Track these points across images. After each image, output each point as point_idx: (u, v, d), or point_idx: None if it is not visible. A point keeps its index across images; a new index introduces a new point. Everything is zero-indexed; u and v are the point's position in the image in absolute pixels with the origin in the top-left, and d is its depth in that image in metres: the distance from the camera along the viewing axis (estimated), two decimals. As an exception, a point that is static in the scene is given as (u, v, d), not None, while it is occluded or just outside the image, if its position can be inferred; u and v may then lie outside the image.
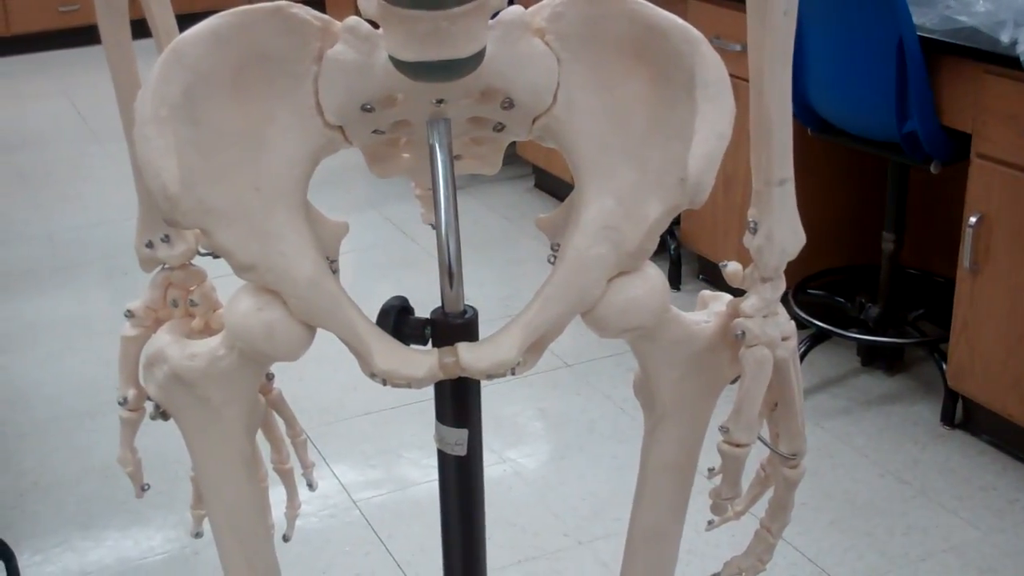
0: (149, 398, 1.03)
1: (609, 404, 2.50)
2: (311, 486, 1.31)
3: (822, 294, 2.67)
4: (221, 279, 1.10)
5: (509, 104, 0.90)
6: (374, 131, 0.93)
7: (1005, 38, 2.03)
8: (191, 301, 1.09)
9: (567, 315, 0.93)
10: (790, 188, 0.95)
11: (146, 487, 1.20)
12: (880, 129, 2.26)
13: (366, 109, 0.89)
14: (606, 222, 0.91)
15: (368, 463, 2.31)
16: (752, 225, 0.96)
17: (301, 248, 0.90)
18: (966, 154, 2.16)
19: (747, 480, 1.08)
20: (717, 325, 0.99)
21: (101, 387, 2.63)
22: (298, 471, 1.31)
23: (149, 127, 0.85)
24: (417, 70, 0.83)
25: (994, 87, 2.05)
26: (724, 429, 0.99)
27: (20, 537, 2.09)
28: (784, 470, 1.07)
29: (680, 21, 0.89)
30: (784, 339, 0.98)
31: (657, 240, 0.93)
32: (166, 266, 1.09)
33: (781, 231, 0.95)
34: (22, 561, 2.01)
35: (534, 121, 0.92)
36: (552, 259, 0.95)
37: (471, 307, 0.97)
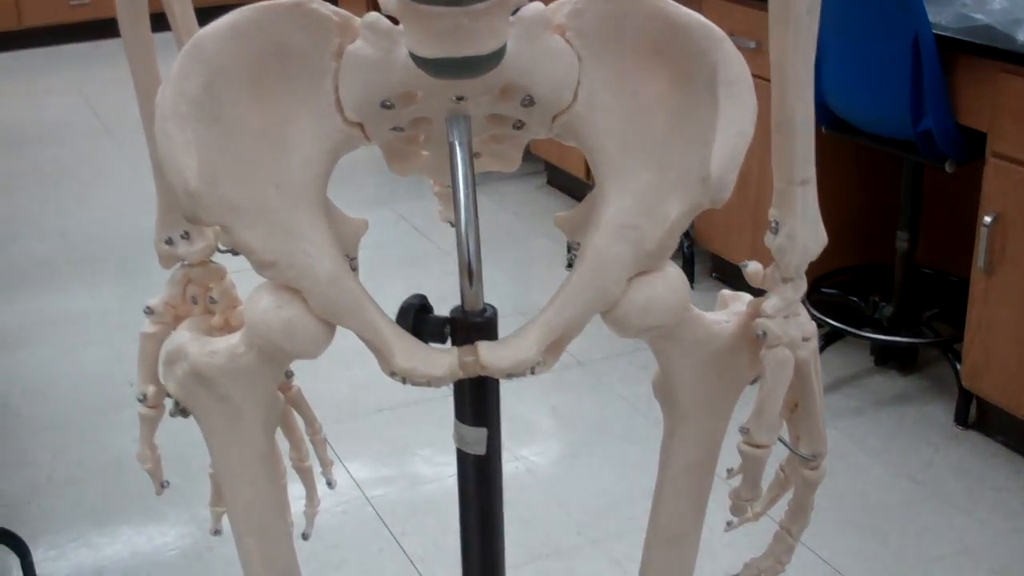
0: (168, 395, 1.03)
1: (622, 402, 2.50)
2: (330, 484, 1.31)
3: (836, 293, 2.66)
4: (238, 273, 1.10)
5: (529, 101, 0.90)
6: (393, 128, 0.92)
7: (1021, 36, 2.02)
8: (210, 298, 1.09)
9: (587, 314, 0.92)
10: (812, 188, 0.95)
11: (166, 484, 1.20)
12: (895, 128, 2.25)
13: (386, 106, 0.89)
14: (626, 221, 0.90)
15: (381, 460, 2.31)
16: (774, 225, 0.95)
17: (321, 245, 0.89)
18: (981, 153, 2.15)
19: (766, 481, 1.08)
20: (737, 325, 0.98)
21: (116, 382, 2.64)
22: (317, 469, 1.31)
23: (169, 123, 0.85)
24: (437, 67, 0.83)
25: (1010, 86, 2.04)
26: (744, 430, 0.99)
27: (35, 532, 2.10)
28: (804, 471, 1.07)
29: (702, 18, 0.89)
30: (805, 339, 0.97)
31: (678, 239, 0.93)
32: (185, 263, 1.09)
33: (803, 231, 0.95)
34: (37, 556, 2.02)
35: (554, 119, 0.91)
36: (571, 261, 0.95)
37: (491, 306, 0.97)
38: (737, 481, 1.05)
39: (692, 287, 3.01)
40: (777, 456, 1.09)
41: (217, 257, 1.10)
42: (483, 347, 0.92)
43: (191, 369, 0.98)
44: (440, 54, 0.81)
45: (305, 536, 1.30)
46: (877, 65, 2.22)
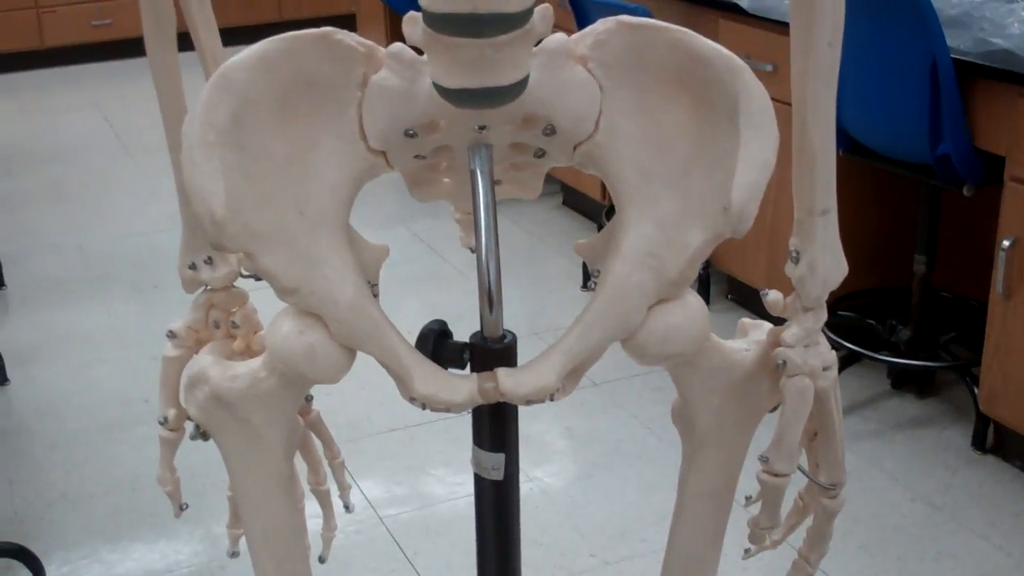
0: (189, 418, 1.04)
1: (636, 424, 2.49)
2: (347, 508, 1.31)
3: (853, 316, 2.65)
4: (257, 291, 1.11)
5: (551, 131, 0.90)
6: (416, 156, 0.93)
7: (1041, 62, 2.02)
8: (232, 323, 1.09)
9: (606, 341, 0.93)
10: (833, 218, 0.95)
11: (184, 506, 1.20)
12: (913, 151, 2.25)
13: (409, 135, 0.90)
14: (647, 249, 0.91)
15: (394, 479, 2.31)
16: (794, 255, 0.95)
17: (343, 272, 0.90)
18: (1000, 177, 2.14)
19: (785, 508, 1.08)
20: (757, 354, 0.98)
21: (130, 399, 2.65)
22: (335, 492, 1.32)
23: (197, 152, 0.86)
24: (461, 97, 0.83)
25: (1029, 111, 2.04)
26: (764, 459, 0.99)
27: (48, 548, 2.11)
28: (823, 500, 1.07)
29: (723, 50, 0.89)
30: (825, 369, 0.97)
31: (698, 268, 0.93)
32: (208, 287, 1.10)
33: (823, 261, 0.95)
34: (50, 572, 2.03)
35: (575, 148, 0.92)
36: (592, 286, 0.95)
37: (510, 332, 0.97)
38: (756, 509, 1.04)
39: (707, 308, 3.00)
40: (796, 484, 1.09)
41: (239, 282, 1.11)
42: (502, 374, 0.92)
43: (212, 393, 0.98)
44: (463, 84, 0.82)
45: (322, 559, 1.30)
46: (895, 89, 2.22)
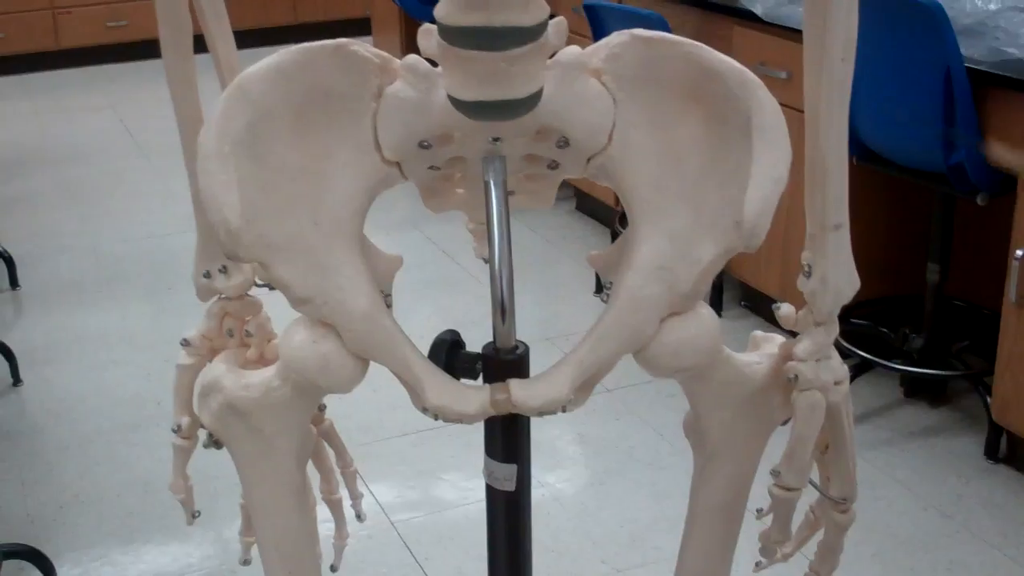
0: (203, 426, 1.04)
1: (648, 430, 2.49)
2: (359, 517, 1.31)
3: (866, 324, 2.64)
4: (268, 297, 1.11)
5: (564, 143, 0.91)
6: (430, 167, 0.94)
7: (1056, 71, 2.01)
8: (246, 331, 1.10)
9: (618, 354, 0.93)
10: (845, 233, 0.95)
11: (197, 514, 1.21)
12: (926, 160, 2.25)
13: (423, 146, 0.90)
14: (660, 262, 0.91)
15: (406, 484, 2.32)
16: (806, 269, 0.95)
17: (357, 282, 0.90)
18: (1013, 186, 2.13)
19: (796, 522, 1.07)
20: (769, 367, 0.98)
21: (143, 401, 2.66)
22: (347, 501, 1.32)
23: (212, 162, 0.87)
24: (475, 109, 0.84)
25: (1044, 120, 2.03)
26: (775, 473, 0.99)
27: (60, 550, 2.12)
28: (834, 514, 1.06)
29: (737, 64, 0.89)
30: (837, 383, 0.97)
31: (711, 282, 0.93)
32: (223, 296, 1.11)
33: (835, 275, 0.95)
34: (61, 574, 2.04)
35: (589, 160, 0.92)
36: (604, 297, 0.95)
37: (522, 343, 0.97)
38: (767, 522, 1.04)
39: (720, 315, 2.99)
40: (807, 497, 1.08)
41: (253, 291, 1.11)
42: (515, 385, 0.92)
43: (226, 401, 0.99)
44: (478, 97, 0.82)
45: (334, 568, 1.31)
46: (909, 98, 2.21)
